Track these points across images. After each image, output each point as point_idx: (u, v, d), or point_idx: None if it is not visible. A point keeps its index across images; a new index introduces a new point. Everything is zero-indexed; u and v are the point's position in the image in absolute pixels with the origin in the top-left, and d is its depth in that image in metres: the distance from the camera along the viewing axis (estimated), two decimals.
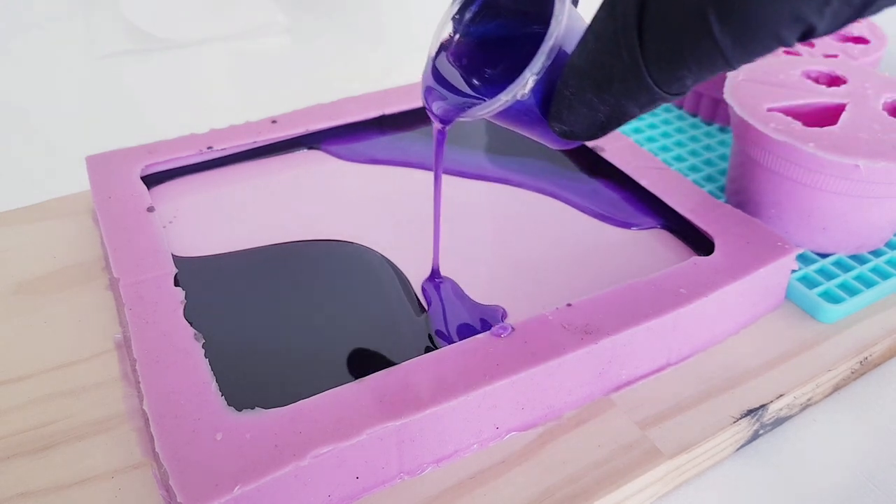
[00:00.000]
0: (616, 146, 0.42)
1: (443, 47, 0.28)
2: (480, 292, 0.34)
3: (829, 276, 0.37)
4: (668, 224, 0.38)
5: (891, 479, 0.31)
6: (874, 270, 0.38)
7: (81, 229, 0.40)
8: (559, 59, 0.24)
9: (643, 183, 0.39)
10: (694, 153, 0.46)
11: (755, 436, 0.32)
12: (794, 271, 0.36)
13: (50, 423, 0.30)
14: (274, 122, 0.43)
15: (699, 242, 0.36)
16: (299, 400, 0.27)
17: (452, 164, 0.42)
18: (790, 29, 0.19)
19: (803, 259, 0.38)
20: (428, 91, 0.28)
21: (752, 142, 0.37)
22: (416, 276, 0.35)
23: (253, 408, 0.26)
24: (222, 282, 0.34)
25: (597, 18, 0.22)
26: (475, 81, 0.27)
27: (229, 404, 0.26)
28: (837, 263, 0.38)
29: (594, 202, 0.39)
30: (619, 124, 0.24)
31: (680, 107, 0.51)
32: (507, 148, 0.44)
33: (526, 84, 0.24)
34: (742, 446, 0.32)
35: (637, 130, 0.49)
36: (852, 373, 0.34)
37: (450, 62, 0.28)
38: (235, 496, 0.24)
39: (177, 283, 0.32)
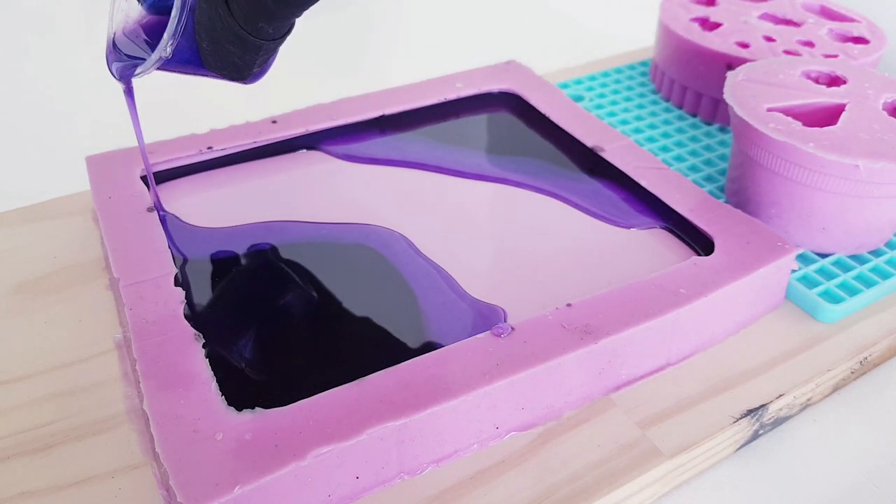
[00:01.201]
0: (616, 146, 0.42)
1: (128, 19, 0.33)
2: (480, 292, 0.34)
3: (829, 276, 0.37)
4: (668, 224, 0.38)
5: (891, 479, 0.31)
6: (874, 270, 0.38)
7: (81, 229, 0.40)
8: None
9: (643, 183, 0.39)
10: (694, 153, 0.46)
11: (755, 436, 0.32)
12: (794, 271, 0.36)
13: (50, 423, 0.30)
14: (274, 122, 0.43)
15: (699, 242, 0.36)
16: (299, 400, 0.27)
17: (453, 165, 0.42)
18: None
19: (803, 259, 0.38)
20: (109, 53, 0.32)
21: (752, 142, 0.37)
22: (417, 275, 0.35)
23: (253, 408, 0.26)
24: (222, 282, 0.34)
25: None
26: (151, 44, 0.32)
27: (229, 404, 0.26)
28: (837, 263, 0.38)
29: (594, 202, 0.39)
30: (254, 64, 0.30)
31: (680, 107, 0.51)
32: (507, 148, 0.44)
33: (166, 46, 0.28)
34: (742, 446, 0.32)
35: (637, 130, 0.49)
36: (852, 373, 0.34)
37: (129, 30, 0.32)
38: (235, 496, 0.24)
39: (177, 283, 0.32)
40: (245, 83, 0.31)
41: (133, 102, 0.34)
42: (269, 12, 0.27)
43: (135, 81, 0.32)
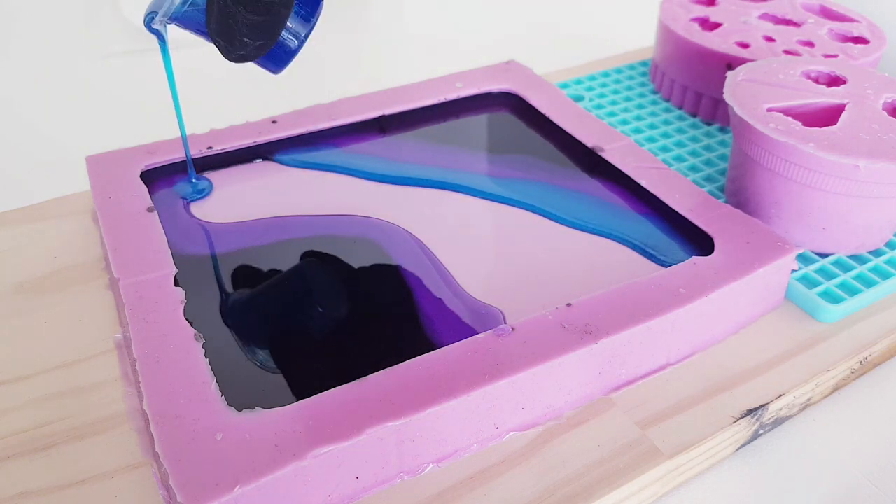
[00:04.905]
0: (616, 146, 0.42)
1: None
2: (480, 291, 0.34)
3: (829, 276, 0.37)
4: (667, 224, 0.38)
5: (891, 479, 0.31)
6: (874, 270, 0.38)
7: (81, 229, 0.40)
8: None
9: (643, 183, 0.39)
10: (694, 153, 0.46)
11: (755, 436, 0.32)
12: (794, 271, 0.36)
13: (50, 423, 0.30)
14: (274, 122, 0.43)
15: (699, 242, 0.36)
16: (299, 400, 0.27)
17: (452, 165, 0.42)
18: None
19: (803, 259, 0.38)
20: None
21: (752, 142, 0.37)
22: (418, 274, 0.35)
23: (253, 408, 0.26)
24: (222, 282, 0.34)
25: None
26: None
27: (229, 404, 0.26)
28: (837, 263, 0.38)
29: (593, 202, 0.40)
30: (241, 34, 0.31)
31: (680, 107, 0.51)
32: (506, 148, 0.44)
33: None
34: (742, 446, 0.32)
35: (637, 130, 0.49)
36: (852, 373, 0.34)
37: None
38: (235, 496, 0.24)
39: (177, 283, 0.32)
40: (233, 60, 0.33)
41: (166, 54, 0.36)
42: None
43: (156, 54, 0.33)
